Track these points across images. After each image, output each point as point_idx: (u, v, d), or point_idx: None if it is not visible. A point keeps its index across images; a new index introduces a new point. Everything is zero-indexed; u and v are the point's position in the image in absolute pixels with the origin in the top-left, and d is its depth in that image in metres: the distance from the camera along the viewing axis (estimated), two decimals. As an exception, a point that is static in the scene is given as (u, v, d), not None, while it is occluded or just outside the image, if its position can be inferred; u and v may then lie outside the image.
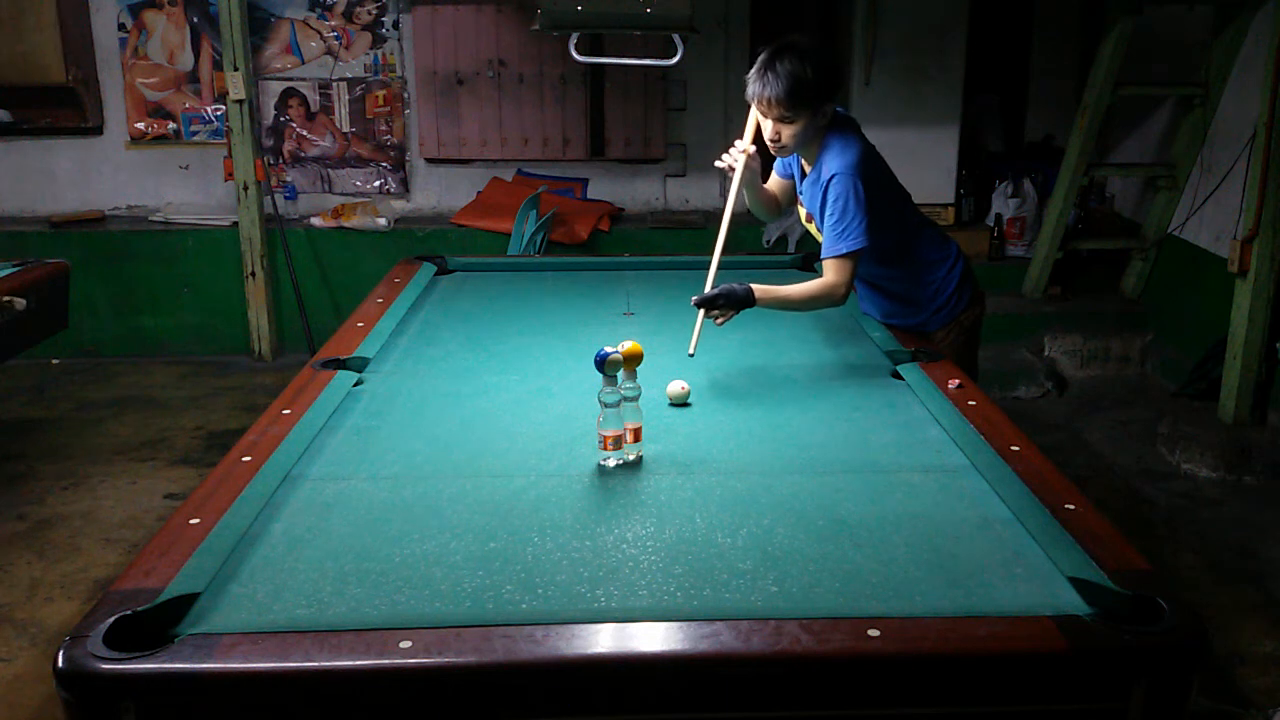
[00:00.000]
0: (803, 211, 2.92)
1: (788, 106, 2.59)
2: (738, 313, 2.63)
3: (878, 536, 1.82)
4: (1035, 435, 2.45)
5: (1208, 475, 4.26)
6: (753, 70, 2.62)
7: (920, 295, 2.96)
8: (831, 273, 2.69)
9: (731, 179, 2.78)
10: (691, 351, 2.56)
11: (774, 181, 2.99)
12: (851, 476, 2.07)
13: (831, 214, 2.66)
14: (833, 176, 2.65)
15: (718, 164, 2.79)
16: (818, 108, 2.63)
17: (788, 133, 2.65)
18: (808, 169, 2.82)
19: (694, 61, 5.52)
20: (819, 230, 2.77)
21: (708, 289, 2.62)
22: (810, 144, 2.73)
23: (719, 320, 2.62)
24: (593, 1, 4.04)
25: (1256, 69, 4.47)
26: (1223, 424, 4.45)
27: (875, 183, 2.71)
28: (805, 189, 2.84)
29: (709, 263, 2.72)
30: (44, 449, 4.54)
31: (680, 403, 2.45)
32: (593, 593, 1.64)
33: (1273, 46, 4.15)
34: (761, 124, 2.70)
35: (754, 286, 2.62)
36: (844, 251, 2.66)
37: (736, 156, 2.75)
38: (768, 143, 2.70)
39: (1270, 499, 4.07)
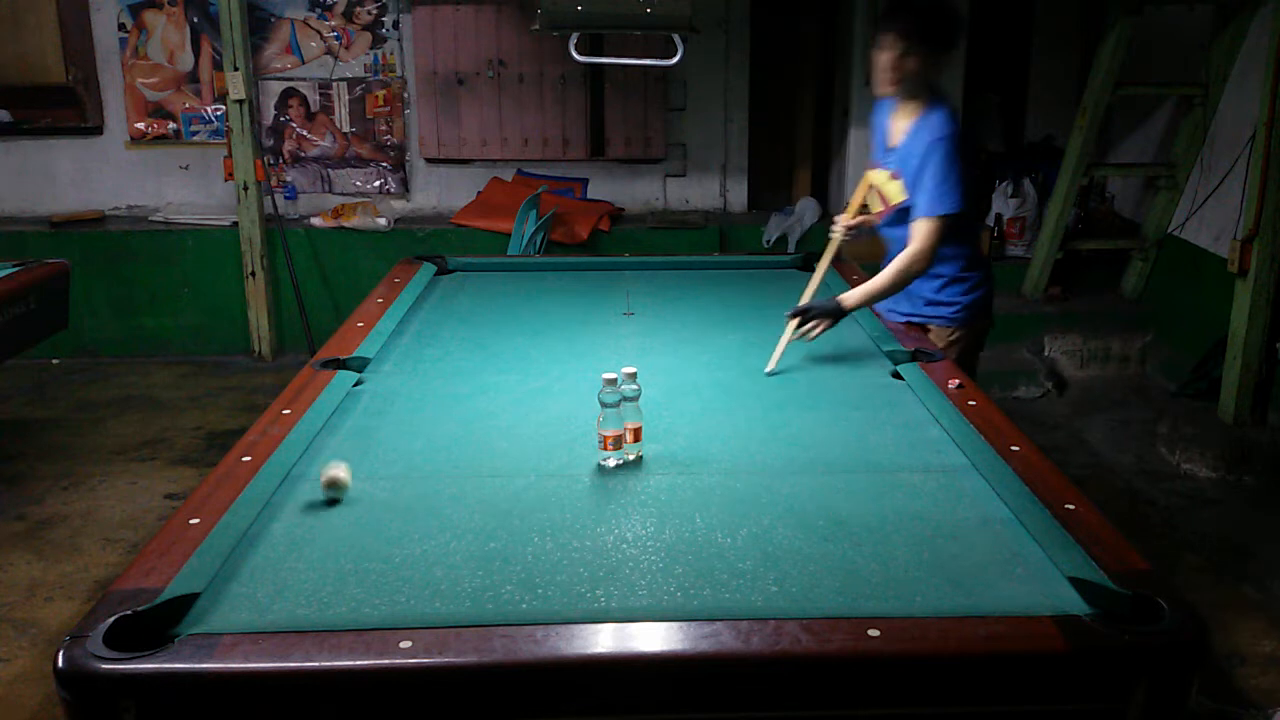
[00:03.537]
0: (881, 174, 2.93)
1: (905, 36, 2.69)
2: (834, 323, 2.74)
3: (878, 536, 1.82)
4: (1035, 435, 2.45)
5: (1208, 475, 4.26)
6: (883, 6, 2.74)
7: (924, 289, 2.96)
8: (920, 237, 2.75)
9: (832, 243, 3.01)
10: (770, 369, 2.63)
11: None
12: (851, 476, 2.07)
13: (935, 173, 2.71)
14: (942, 138, 2.72)
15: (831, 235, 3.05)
16: (932, 53, 2.72)
17: (897, 70, 2.73)
18: (895, 135, 2.86)
19: (694, 61, 5.52)
20: (904, 189, 2.81)
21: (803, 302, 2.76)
22: (914, 98, 2.80)
23: (813, 333, 2.72)
24: (593, 1, 4.04)
25: (1256, 69, 4.47)
26: (1223, 424, 4.45)
27: (965, 169, 2.80)
28: (902, 145, 2.86)
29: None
30: (44, 449, 4.54)
31: (333, 497, 1.95)
32: (593, 593, 1.64)
33: (1273, 46, 4.15)
34: (875, 60, 2.77)
35: (840, 297, 2.75)
36: (941, 212, 2.72)
37: (838, 229, 3.00)
38: (877, 75, 2.78)
39: (1270, 499, 4.07)
